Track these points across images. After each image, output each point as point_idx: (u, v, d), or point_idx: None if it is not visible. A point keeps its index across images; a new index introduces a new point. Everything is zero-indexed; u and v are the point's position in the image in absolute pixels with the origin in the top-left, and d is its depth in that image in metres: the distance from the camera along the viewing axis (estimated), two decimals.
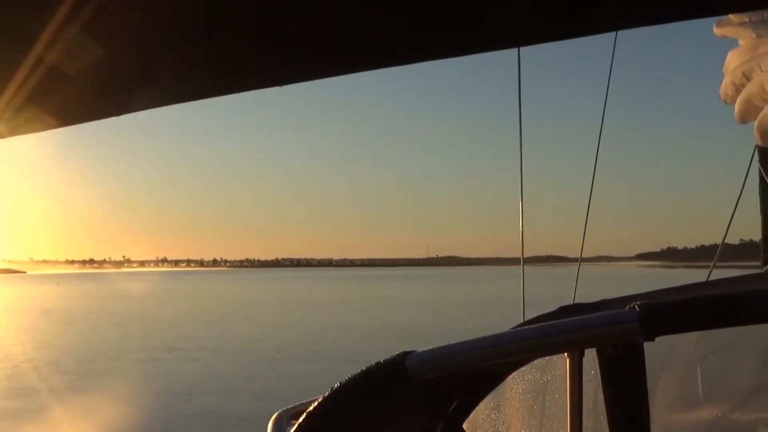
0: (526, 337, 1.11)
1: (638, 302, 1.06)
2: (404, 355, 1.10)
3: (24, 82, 1.09)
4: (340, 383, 1.09)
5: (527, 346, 1.12)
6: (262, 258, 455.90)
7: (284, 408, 2.12)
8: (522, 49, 3.36)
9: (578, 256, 4.51)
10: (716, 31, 3.43)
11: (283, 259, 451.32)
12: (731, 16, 3.34)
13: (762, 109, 3.10)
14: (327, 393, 1.08)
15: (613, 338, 1.09)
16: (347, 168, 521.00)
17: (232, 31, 1.10)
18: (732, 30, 3.34)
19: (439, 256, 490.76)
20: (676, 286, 1.83)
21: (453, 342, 1.12)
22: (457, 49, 1.24)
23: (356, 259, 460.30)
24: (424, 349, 1.11)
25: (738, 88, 3.24)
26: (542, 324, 1.18)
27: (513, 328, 1.34)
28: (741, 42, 3.29)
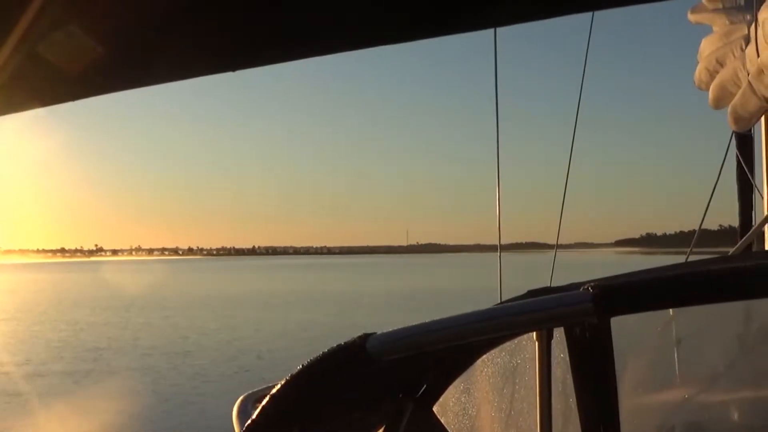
0: (482, 318, 1.12)
1: (593, 283, 1.07)
2: (365, 337, 1.11)
3: (4, 65, 1.10)
4: (302, 365, 1.10)
5: (485, 327, 1.13)
6: (239, 246, 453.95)
7: (249, 392, 2.14)
8: (498, 31, 3.33)
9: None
10: (691, 17, 3.44)
11: (259, 247, 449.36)
12: (705, 2, 3.36)
13: (735, 95, 3.12)
14: (289, 376, 1.09)
15: (568, 318, 1.11)
16: (326, 155, 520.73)
17: (197, 18, 1.10)
18: (706, 17, 3.35)
19: (420, 243, 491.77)
20: (645, 269, 1.84)
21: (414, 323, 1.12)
22: (434, 31, 1.24)
23: (335, 247, 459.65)
24: (385, 331, 1.12)
25: (712, 75, 3.26)
26: (499, 306, 1.19)
27: None
28: (715, 28, 3.31)
